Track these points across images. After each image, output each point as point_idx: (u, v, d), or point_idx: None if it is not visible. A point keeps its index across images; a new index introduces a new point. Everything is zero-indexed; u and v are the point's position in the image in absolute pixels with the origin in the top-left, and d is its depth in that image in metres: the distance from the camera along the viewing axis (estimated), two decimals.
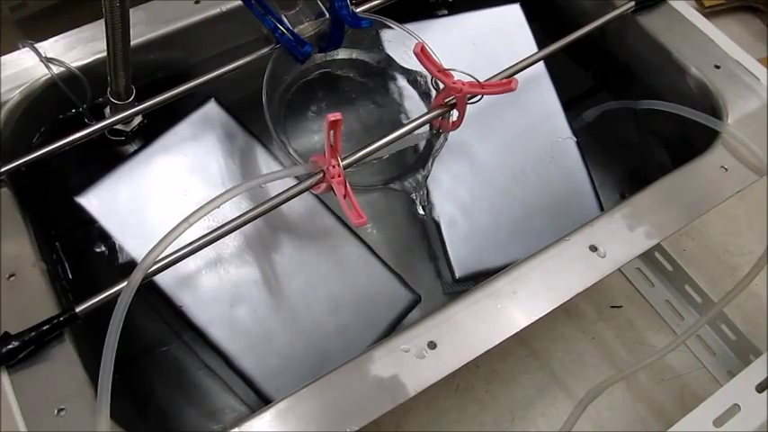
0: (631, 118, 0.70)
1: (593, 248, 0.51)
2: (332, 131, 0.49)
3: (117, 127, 0.61)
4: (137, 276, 0.45)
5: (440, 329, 0.46)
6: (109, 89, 0.58)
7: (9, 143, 0.56)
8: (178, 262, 0.48)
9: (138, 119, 0.62)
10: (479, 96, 0.55)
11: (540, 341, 0.83)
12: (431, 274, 0.70)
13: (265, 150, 0.63)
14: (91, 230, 0.58)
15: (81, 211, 0.58)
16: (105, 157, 0.62)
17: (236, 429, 0.42)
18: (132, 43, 0.61)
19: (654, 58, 0.65)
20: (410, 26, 0.64)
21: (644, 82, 0.67)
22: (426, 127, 0.60)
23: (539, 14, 0.72)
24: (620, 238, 0.51)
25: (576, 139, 0.66)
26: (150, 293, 0.56)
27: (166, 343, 0.58)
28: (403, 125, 0.54)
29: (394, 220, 0.70)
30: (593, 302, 0.86)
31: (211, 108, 0.65)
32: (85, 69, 0.59)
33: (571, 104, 0.70)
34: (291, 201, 0.61)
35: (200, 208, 0.50)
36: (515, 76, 0.59)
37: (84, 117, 0.62)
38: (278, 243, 0.60)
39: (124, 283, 0.45)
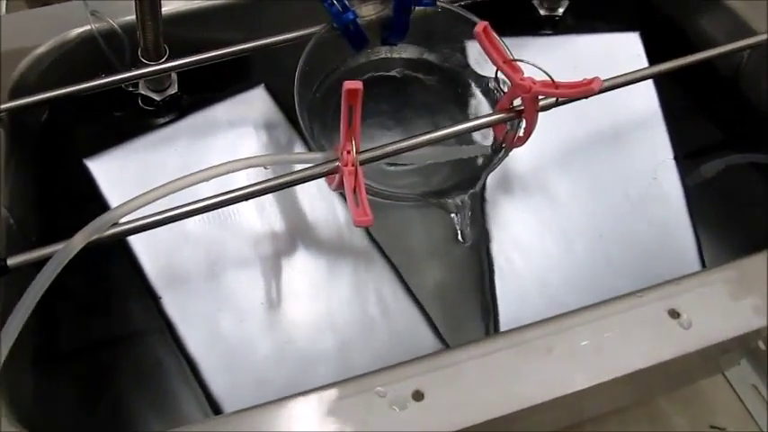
0: (761, 176, 0.55)
1: (675, 314, 0.37)
2: (350, 106, 0.39)
3: (148, 95, 0.56)
4: (77, 240, 0.37)
5: (432, 378, 0.34)
6: (140, 49, 0.52)
7: (32, 90, 0.51)
8: (137, 232, 0.40)
9: (173, 90, 0.56)
10: (553, 101, 0.44)
11: None
12: (480, 329, 0.57)
13: (305, 148, 0.55)
14: (92, 199, 0.52)
15: (88, 176, 0.52)
16: (133, 127, 0.56)
17: None
18: (178, 11, 0.56)
19: None
20: (507, 41, 0.54)
21: None
22: (488, 138, 0.50)
23: (662, 49, 0.60)
24: (715, 307, 0.37)
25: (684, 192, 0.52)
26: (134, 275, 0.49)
27: (147, 336, 0.50)
28: (448, 127, 0.44)
29: (449, 255, 0.57)
30: (689, 415, 0.69)
31: (258, 94, 0.58)
32: (129, 28, 0.54)
33: (689, 155, 0.57)
34: (320, 212, 0.52)
35: (183, 177, 0.42)
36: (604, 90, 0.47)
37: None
38: (293, 254, 0.51)
39: (62, 245, 0.37)
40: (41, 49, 0.53)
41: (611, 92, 0.59)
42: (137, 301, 0.48)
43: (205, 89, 0.58)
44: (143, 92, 0.56)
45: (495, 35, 0.43)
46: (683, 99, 0.61)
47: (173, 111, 0.57)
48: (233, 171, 0.43)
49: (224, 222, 0.51)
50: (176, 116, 0.56)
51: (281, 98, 0.57)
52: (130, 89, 0.57)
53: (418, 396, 0.34)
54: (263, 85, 0.58)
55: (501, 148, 0.48)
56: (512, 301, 0.50)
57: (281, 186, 0.42)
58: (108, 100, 0.56)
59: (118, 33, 0.55)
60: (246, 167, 0.44)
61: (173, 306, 0.48)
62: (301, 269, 0.50)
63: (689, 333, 0.36)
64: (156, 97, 0.56)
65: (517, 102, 0.45)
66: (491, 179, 0.54)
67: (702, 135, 0.59)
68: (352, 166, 0.41)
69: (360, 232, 0.52)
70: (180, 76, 0.57)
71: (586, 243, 0.52)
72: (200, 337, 0.46)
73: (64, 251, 0.37)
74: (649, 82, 0.60)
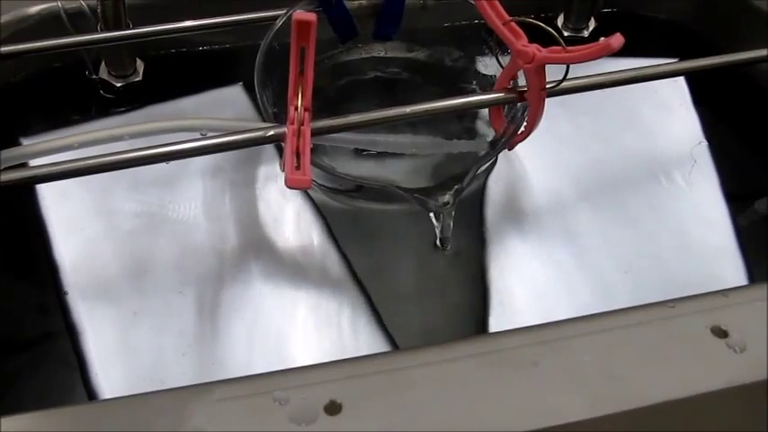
0: None
1: (720, 333, 0.25)
2: (301, 48, 0.31)
3: (108, 80, 0.50)
4: None
5: (358, 386, 0.23)
6: (99, 23, 0.47)
7: None
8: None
9: (136, 77, 0.50)
10: (564, 84, 0.35)
11: None
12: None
13: (277, 153, 0.47)
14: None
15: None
16: (86, 113, 0.49)
17: None
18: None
19: None
20: None
21: None
22: (486, 134, 0.41)
23: (704, 77, 0.51)
24: None
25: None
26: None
27: (44, 335, 0.40)
28: (424, 103, 0.36)
29: (427, 265, 0.45)
30: None
31: (235, 92, 0.51)
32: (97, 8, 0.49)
33: (739, 194, 0.48)
34: (276, 219, 0.43)
35: (93, 131, 0.34)
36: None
37: (86, 68, 0.50)
38: (239, 263, 0.42)
39: None
40: None
41: (648, 115, 0.52)
42: (40, 294, 0.39)
43: (175, 82, 0.51)
44: (103, 76, 0.49)
45: None
46: (728, 129, 0.51)
47: (134, 100, 0.50)
48: (162, 132, 0.36)
49: (162, 220, 0.43)
50: (136, 106, 0.49)
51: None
52: (94, 77, 0.51)
53: (333, 409, 0.23)
54: (241, 83, 0.51)
55: (498, 142, 0.39)
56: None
57: (213, 149, 0.34)
58: (65, 85, 0.51)
59: (86, 15, 0.49)
60: (180, 130, 0.36)
61: (79, 304, 0.38)
62: (246, 281, 0.41)
63: (743, 358, 0.24)
64: (117, 83, 0.49)
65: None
66: (496, 204, 0.45)
67: (756, 170, 0.50)
68: (300, 124, 0.32)
69: (338, 260, 0.43)
70: (148, 67, 0.51)
71: (610, 288, 0.42)
72: (101, 343, 0.37)
73: None
74: (692, 110, 0.52)
